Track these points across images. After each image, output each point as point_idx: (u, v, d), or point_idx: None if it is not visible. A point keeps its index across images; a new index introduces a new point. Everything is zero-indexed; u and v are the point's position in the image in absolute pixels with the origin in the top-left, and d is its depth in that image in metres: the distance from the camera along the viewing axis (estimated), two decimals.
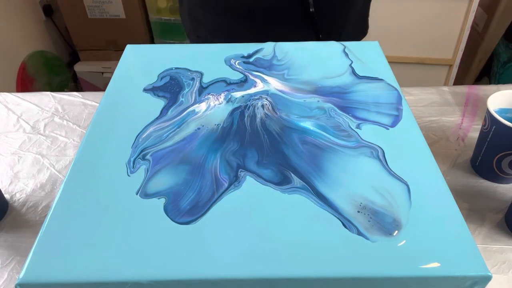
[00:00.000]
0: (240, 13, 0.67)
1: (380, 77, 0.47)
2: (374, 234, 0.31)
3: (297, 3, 0.65)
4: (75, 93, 0.64)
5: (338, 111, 0.42)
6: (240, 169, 0.36)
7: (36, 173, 0.51)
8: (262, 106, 0.43)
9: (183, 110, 0.43)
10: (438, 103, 0.61)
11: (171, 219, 0.32)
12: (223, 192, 0.34)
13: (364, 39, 0.78)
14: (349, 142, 0.39)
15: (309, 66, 0.49)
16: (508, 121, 0.44)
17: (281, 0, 0.65)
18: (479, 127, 0.52)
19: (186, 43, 0.77)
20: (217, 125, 0.41)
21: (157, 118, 0.42)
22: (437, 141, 0.55)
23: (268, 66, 0.49)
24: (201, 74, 0.48)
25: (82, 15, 1.58)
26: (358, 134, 0.40)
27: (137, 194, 0.34)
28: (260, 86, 0.46)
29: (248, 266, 0.29)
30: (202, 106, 0.43)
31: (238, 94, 0.45)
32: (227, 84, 0.46)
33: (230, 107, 0.43)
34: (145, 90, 0.46)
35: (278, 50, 0.52)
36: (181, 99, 0.44)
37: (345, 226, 0.31)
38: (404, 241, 0.30)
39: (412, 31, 1.35)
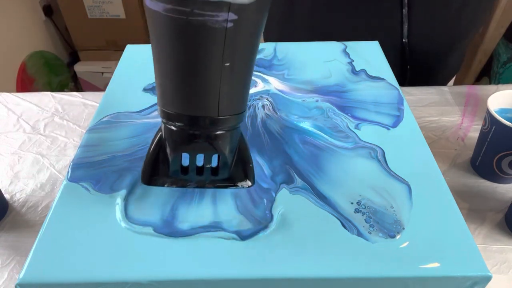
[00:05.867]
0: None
1: (381, 77, 0.47)
2: (374, 234, 0.31)
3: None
4: (75, 93, 0.64)
5: (337, 111, 0.42)
6: None
7: (36, 173, 0.51)
8: (263, 106, 0.43)
9: None
10: (438, 103, 0.61)
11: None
12: None
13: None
14: (346, 143, 0.39)
15: (309, 66, 0.49)
16: (508, 121, 0.44)
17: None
18: (479, 127, 0.52)
19: None
20: None
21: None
22: (437, 141, 0.55)
23: (268, 66, 0.49)
24: None
25: (82, 15, 1.58)
26: (357, 135, 0.40)
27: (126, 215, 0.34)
28: (260, 86, 0.46)
29: (248, 266, 0.29)
30: None
31: None
32: None
33: None
34: (145, 90, 0.46)
35: (278, 50, 0.52)
36: None
37: (344, 227, 0.31)
38: (407, 243, 0.30)
39: None
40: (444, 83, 0.77)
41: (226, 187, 0.34)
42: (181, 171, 0.34)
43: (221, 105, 0.30)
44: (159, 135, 0.33)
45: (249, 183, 0.35)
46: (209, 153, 0.33)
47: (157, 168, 0.34)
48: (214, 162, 0.34)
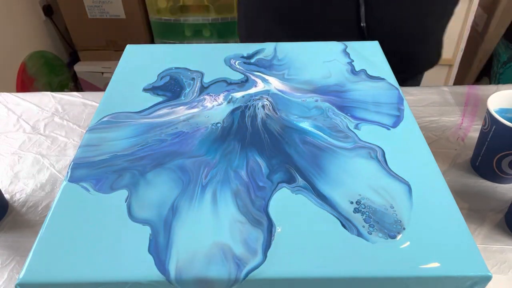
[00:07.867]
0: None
1: (381, 77, 0.47)
2: (374, 235, 0.31)
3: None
4: (75, 93, 0.64)
5: (336, 110, 0.42)
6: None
7: (36, 173, 0.51)
8: (263, 106, 0.43)
9: (184, 109, 0.43)
10: (438, 103, 0.61)
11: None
12: None
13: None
14: (345, 143, 0.39)
15: (309, 66, 0.49)
16: (508, 121, 0.44)
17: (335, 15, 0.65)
18: (479, 127, 0.52)
19: (186, 43, 0.78)
20: (217, 124, 0.41)
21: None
22: (437, 141, 0.55)
23: (268, 66, 0.49)
24: (202, 74, 0.48)
25: (82, 15, 1.58)
26: (357, 135, 0.39)
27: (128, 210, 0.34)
28: (260, 86, 0.46)
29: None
30: (203, 106, 0.43)
31: (238, 94, 0.45)
32: (228, 84, 0.46)
33: (230, 107, 0.43)
34: (145, 90, 0.46)
35: (279, 50, 0.52)
36: (182, 98, 0.44)
37: (344, 227, 0.31)
38: (408, 243, 0.30)
39: None
40: (418, 73, 0.76)
41: None
42: None
43: None
44: None
45: None
46: None
47: None
48: None
